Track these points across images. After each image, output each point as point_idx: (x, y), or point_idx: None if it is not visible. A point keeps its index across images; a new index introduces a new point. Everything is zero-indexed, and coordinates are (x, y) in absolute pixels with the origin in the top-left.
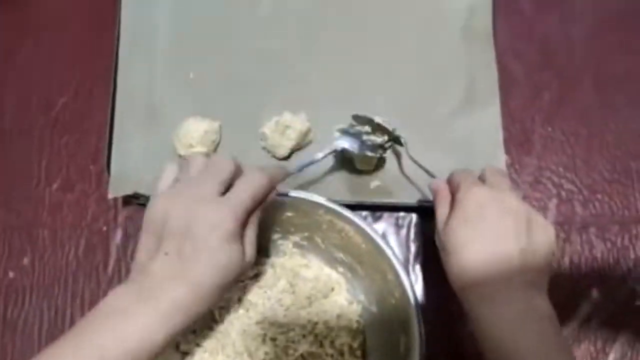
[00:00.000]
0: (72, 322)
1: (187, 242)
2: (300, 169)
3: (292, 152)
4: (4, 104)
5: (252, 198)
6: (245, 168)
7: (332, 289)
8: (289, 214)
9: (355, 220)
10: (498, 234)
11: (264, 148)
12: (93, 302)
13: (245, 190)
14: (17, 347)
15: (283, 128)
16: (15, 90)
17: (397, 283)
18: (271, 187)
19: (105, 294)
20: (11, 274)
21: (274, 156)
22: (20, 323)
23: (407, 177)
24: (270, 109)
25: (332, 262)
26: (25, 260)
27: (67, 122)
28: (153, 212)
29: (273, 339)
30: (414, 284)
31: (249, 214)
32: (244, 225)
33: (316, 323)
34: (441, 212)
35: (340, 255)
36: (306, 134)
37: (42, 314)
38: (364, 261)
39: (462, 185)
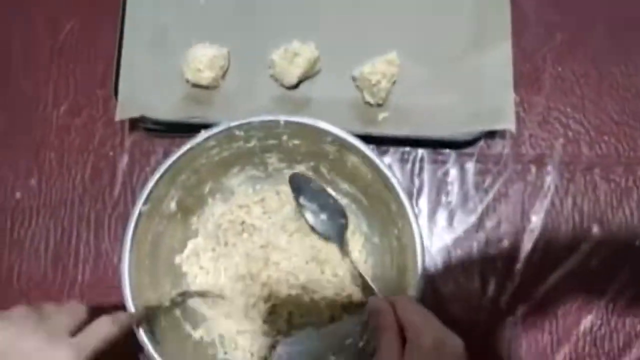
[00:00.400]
0: (78, 243)
1: None
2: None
3: (300, 80)
4: (12, 27)
5: (102, 341)
6: (99, 318)
7: None
8: (296, 141)
9: (362, 149)
10: None
11: (272, 76)
12: (99, 224)
13: (95, 336)
14: (23, 266)
15: (292, 55)
16: (23, 13)
17: (401, 213)
18: (120, 335)
19: (111, 217)
20: (18, 194)
21: (282, 84)
22: (27, 242)
23: (416, 112)
24: (279, 36)
25: (337, 192)
26: (33, 181)
27: (74, 47)
28: None
29: (276, 264)
30: (417, 218)
31: (95, 355)
32: None
33: (319, 250)
34: (389, 346)
35: (345, 186)
36: (315, 62)
37: (48, 233)
38: (369, 192)
39: (424, 329)
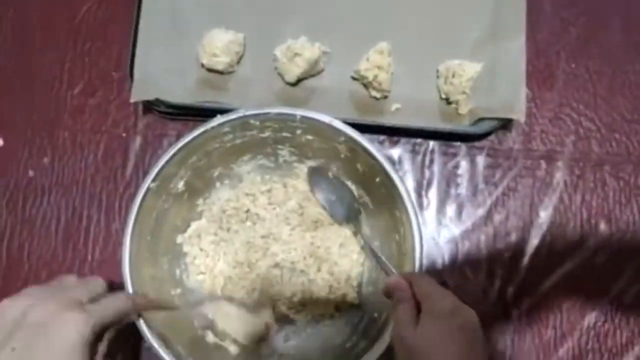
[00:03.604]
0: (89, 223)
1: (40, 339)
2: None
3: (300, 79)
4: (30, 9)
5: (113, 314)
6: (114, 293)
7: None
8: (309, 137)
9: (374, 153)
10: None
11: (276, 69)
12: (110, 205)
13: (109, 306)
14: (34, 244)
15: (292, 54)
16: None
17: (404, 220)
18: (133, 312)
19: (122, 198)
20: (31, 173)
21: (283, 79)
22: (38, 220)
23: (428, 103)
24: (291, 29)
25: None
26: (46, 160)
27: (90, 29)
28: (13, 304)
29: (275, 255)
30: (425, 209)
31: (105, 328)
32: (98, 338)
33: (318, 247)
34: (404, 313)
35: (353, 187)
36: (316, 62)
37: (59, 212)
38: (375, 195)
39: (440, 298)
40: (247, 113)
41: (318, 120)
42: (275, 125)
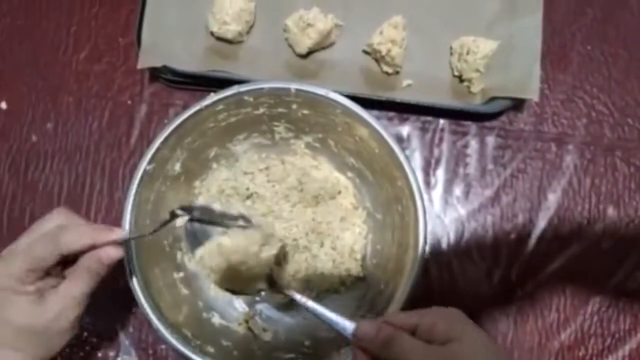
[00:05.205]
0: (92, 190)
1: None
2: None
3: (311, 52)
4: None
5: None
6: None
7: (339, 192)
8: (305, 111)
9: (371, 122)
10: None
11: (286, 40)
12: (113, 172)
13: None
14: (36, 209)
15: (304, 25)
16: None
17: (406, 190)
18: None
19: (126, 166)
20: (34, 137)
21: (293, 51)
22: (40, 185)
23: (440, 80)
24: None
25: (342, 166)
26: (49, 125)
27: None
28: None
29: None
30: (433, 188)
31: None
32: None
33: (320, 223)
34: (411, 346)
35: (352, 160)
36: (328, 34)
37: (62, 178)
38: (375, 167)
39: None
40: (241, 89)
41: (313, 93)
42: (270, 101)
